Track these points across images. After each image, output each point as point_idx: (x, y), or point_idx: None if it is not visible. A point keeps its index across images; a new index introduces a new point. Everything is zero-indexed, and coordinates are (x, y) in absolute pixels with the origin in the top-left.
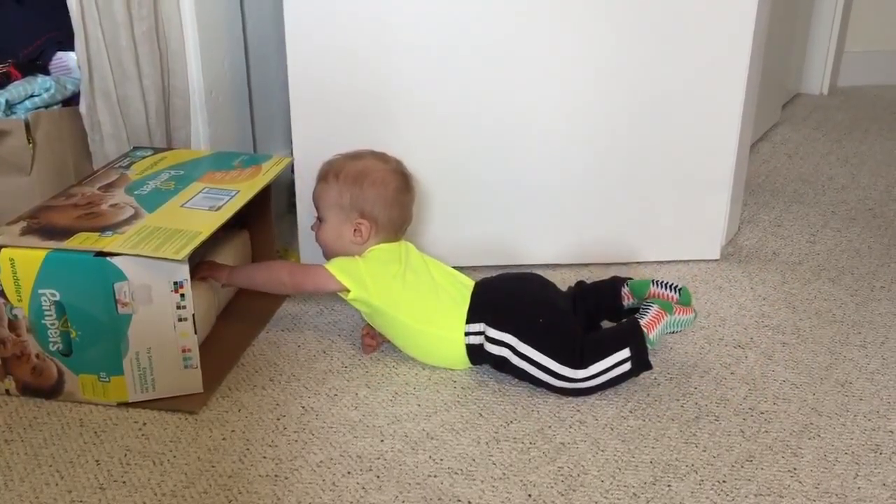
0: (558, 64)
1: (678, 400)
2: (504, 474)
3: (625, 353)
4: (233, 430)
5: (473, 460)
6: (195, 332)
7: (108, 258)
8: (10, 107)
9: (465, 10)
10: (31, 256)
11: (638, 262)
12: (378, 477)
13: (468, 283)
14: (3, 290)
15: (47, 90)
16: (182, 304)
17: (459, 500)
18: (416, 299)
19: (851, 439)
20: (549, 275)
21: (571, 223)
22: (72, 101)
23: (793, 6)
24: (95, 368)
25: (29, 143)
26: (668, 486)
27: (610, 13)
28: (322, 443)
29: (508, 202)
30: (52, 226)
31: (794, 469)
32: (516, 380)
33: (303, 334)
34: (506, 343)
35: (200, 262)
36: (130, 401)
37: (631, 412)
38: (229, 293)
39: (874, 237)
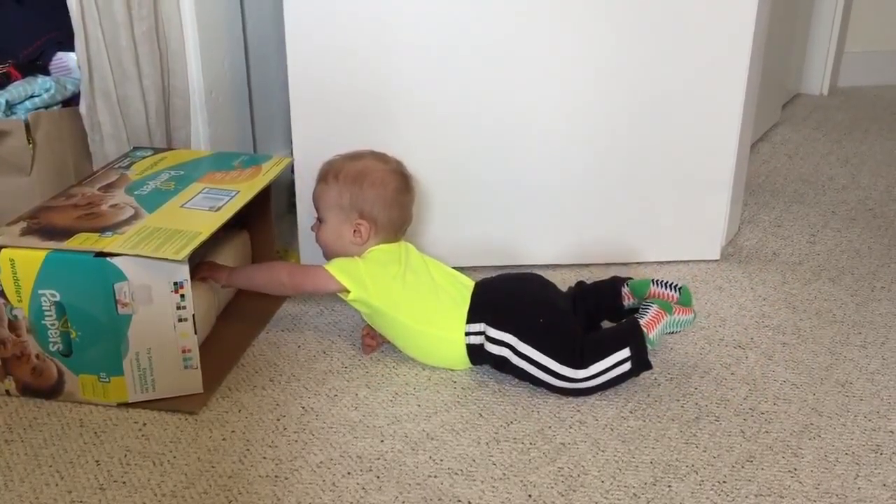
0: (558, 64)
1: (678, 400)
2: (504, 475)
3: (625, 352)
4: (233, 431)
5: (473, 461)
6: (195, 333)
7: (108, 258)
8: (10, 107)
9: (465, 10)
10: (31, 257)
11: (638, 263)
12: (378, 477)
13: (468, 284)
14: (3, 291)
15: (47, 90)
16: (182, 304)
17: (459, 501)
18: (416, 300)
19: (852, 440)
20: (549, 275)
21: (571, 223)
22: (72, 101)
23: (793, 6)
24: (95, 369)
25: (29, 143)
26: (669, 486)
27: (610, 13)
28: (322, 443)
29: (508, 202)
30: (52, 226)
31: (795, 469)
32: (516, 380)
33: (303, 335)
34: (506, 343)
35: (200, 263)
36: (130, 401)
37: (631, 412)
38: (229, 293)
39: (874, 237)
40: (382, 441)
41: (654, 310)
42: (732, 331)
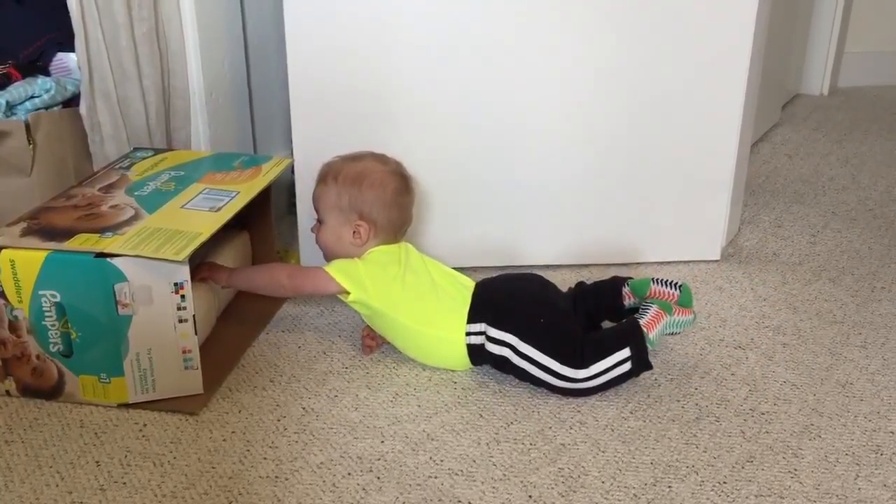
0: (558, 64)
1: (679, 401)
2: (504, 475)
3: (625, 352)
4: (233, 432)
5: (474, 461)
6: (195, 333)
7: (108, 259)
8: (10, 108)
9: (465, 10)
10: (31, 257)
11: (638, 263)
12: (378, 478)
13: (468, 284)
14: (3, 292)
15: (47, 91)
16: (182, 305)
17: (460, 501)
18: (416, 301)
19: (852, 440)
20: (549, 275)
21: (571, 223)
22: (72, 102)
23: (793, 7)
24: (96, 369)
25: (29, 144)
26: (669, 487)
27: (610, 13)
28: (322, 444)
29: (508, 202)
30: (52, 227)
31: (795, 470)
32: (517, 381)
33: (303, 335)
34: (507, 343)
35: (201, 264)
36: (131, 402)
37: (631, 413)
38: (229, 294)
39: (874, 238)
40: (383, 442)
41: (654, 310)
42: (733, 331)
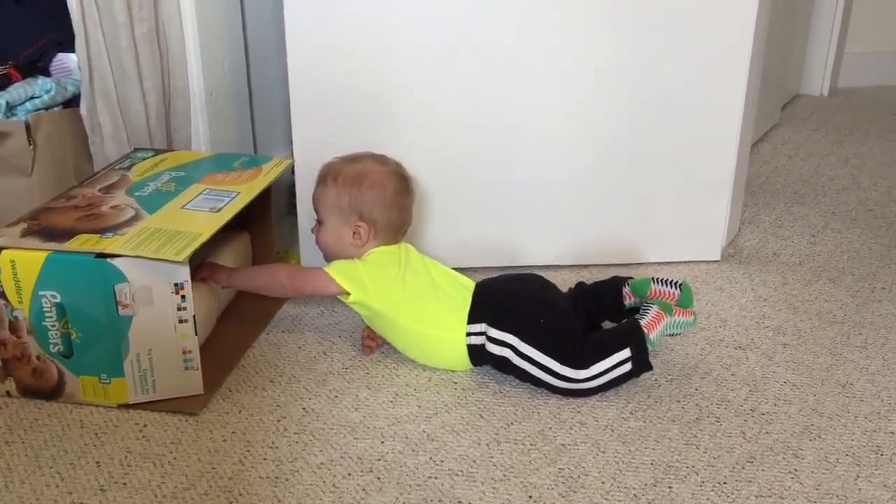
0: (558, 64)
1: (679, 401)
2: (505, 476)
3: (625, 353)
4: (233, 432)
5: (474, 462)
6: (196, 334)
7: (108, 259)
8: (10, 108)
9: (465, 10)
10: (31, 258)
11: (638, 263)
12: (378, 478)
13: (468, 285)
14: (3, 292)
15: (48, 92)
16: (183, 305)
17: (460, 502)
18: (416, 301)
19: (852, 440)
20: (549, 275)
21: (571, 223)
22: (72, 102)
23: (793, 7)
24: (96, 370)
25: (29, 144)
26: (669, 487)
27: (610, 13)
28: (322, 444)
29: (508, 202)
30: (52, 227)
31: (795, 470)
32: (517, 381)
33: (303, 336)
34: (507, 343)
35: (201, 264)
36: (131, 402)
37: (632, 413)
38: (230, 295)
39: (875, 238)
40: (383, 442)
41: (654, 310)
42: (733, 332)
